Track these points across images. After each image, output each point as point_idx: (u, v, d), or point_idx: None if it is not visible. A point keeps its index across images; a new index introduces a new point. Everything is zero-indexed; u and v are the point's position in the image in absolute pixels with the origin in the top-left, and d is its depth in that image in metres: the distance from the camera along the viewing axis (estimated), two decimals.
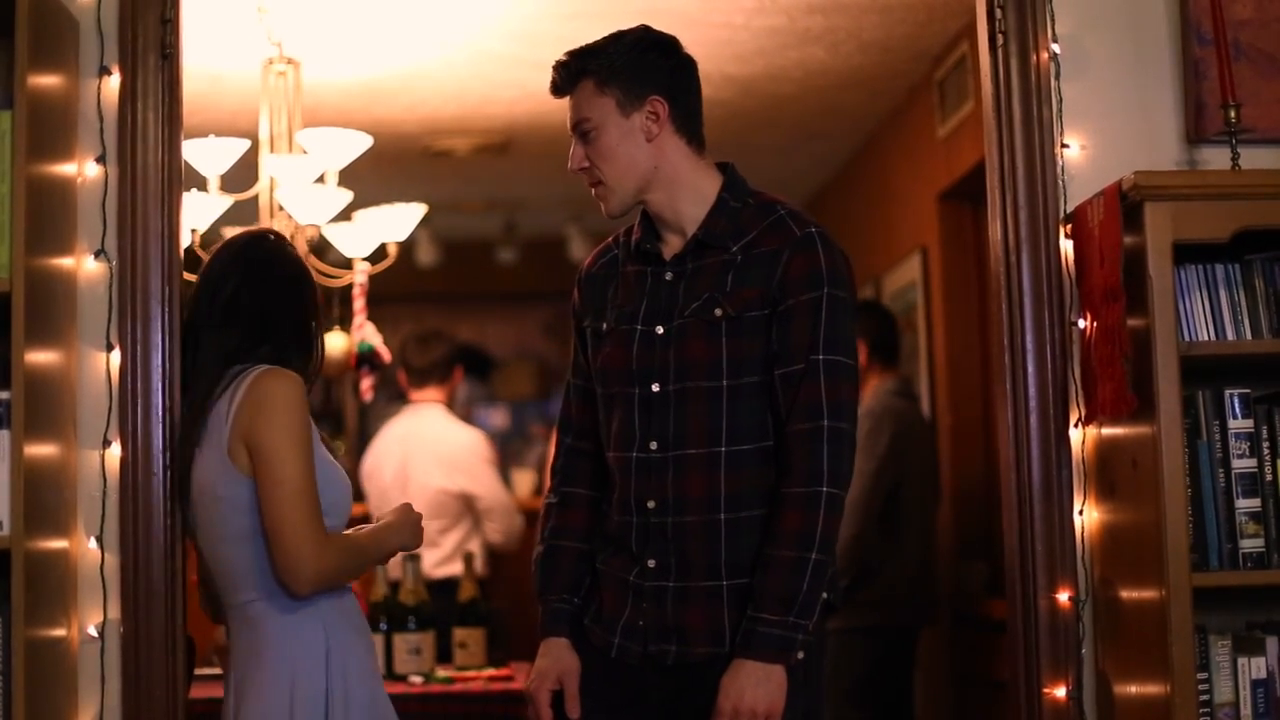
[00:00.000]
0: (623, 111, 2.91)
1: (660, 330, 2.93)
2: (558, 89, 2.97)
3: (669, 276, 2.96)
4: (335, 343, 5.22)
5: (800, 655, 2.82)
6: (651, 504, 2.92)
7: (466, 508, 5.98)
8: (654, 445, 2.92)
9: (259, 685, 2.98)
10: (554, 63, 2.96)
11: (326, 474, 3.00)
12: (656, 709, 2.94)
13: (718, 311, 2.89)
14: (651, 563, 2.92)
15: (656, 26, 3.02)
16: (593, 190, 2.98)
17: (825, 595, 2.85)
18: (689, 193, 2.96)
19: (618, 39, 2.95)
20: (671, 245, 2.98)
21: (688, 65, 2.99)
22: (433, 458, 5.94)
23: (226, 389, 2.99)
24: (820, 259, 2.89)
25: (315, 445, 2.99)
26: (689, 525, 2.89)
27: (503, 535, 6.03)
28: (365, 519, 6.21)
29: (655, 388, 2.92)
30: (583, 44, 2.98)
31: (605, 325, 3.00)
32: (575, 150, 2.96)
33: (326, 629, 2.98)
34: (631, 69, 2.91)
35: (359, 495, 5.94)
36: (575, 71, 2.94)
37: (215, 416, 2.98)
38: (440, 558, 5.86)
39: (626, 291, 3.00)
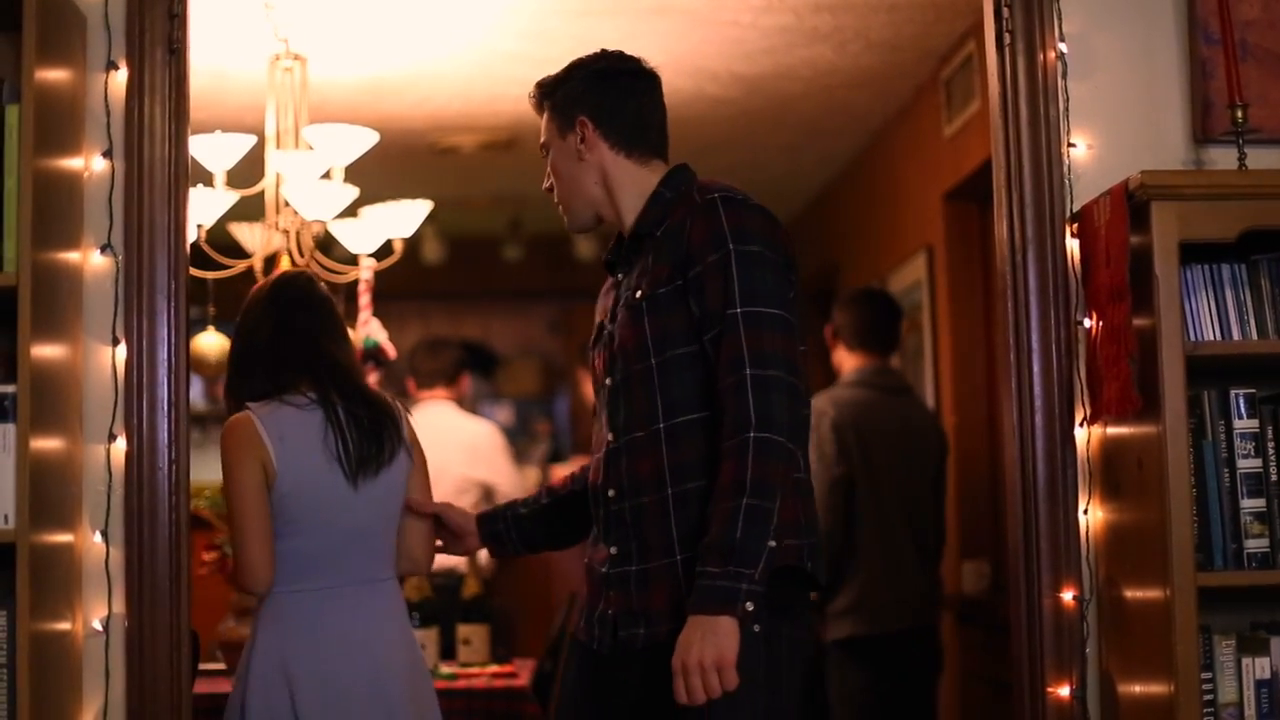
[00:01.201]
0: (561, 134, 3.09)
1: (609, 328, 3.06)
2: (537, 113, 3.18)
3: (621, 276, 3.09)
4: None
5: (749, 606, 2.79)
6: (611, 493, 3.00)
7: (483, 497, 6.02)
8: (610, 437, 3.01)
9: (405, 652, 3.37)
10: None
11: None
12: (635, 698, 2.96)
13: (637, 294, 2.98)
14: (614, 550, 2.99)
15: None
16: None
17: (772, 544, 2.80)
18: (630, 198, 3.08)
19: (571, 67, 3.13)
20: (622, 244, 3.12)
21: (635, 82, 3.11)
22: (454, 445, 6.00)
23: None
24: (721, 219, 2.93)
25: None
26: (644, 506, 2.94)
27: None
28: None
29: (608, 382, 3.04)
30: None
31: (592, 341, 3.17)
32: (547, 170, 3.17)
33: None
34: (564, 93, 3.10)
35: None
36: (536, 99, 3.16)
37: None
38: None
39: (607, 302, 3.14)
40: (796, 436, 2.88)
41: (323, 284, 3.57)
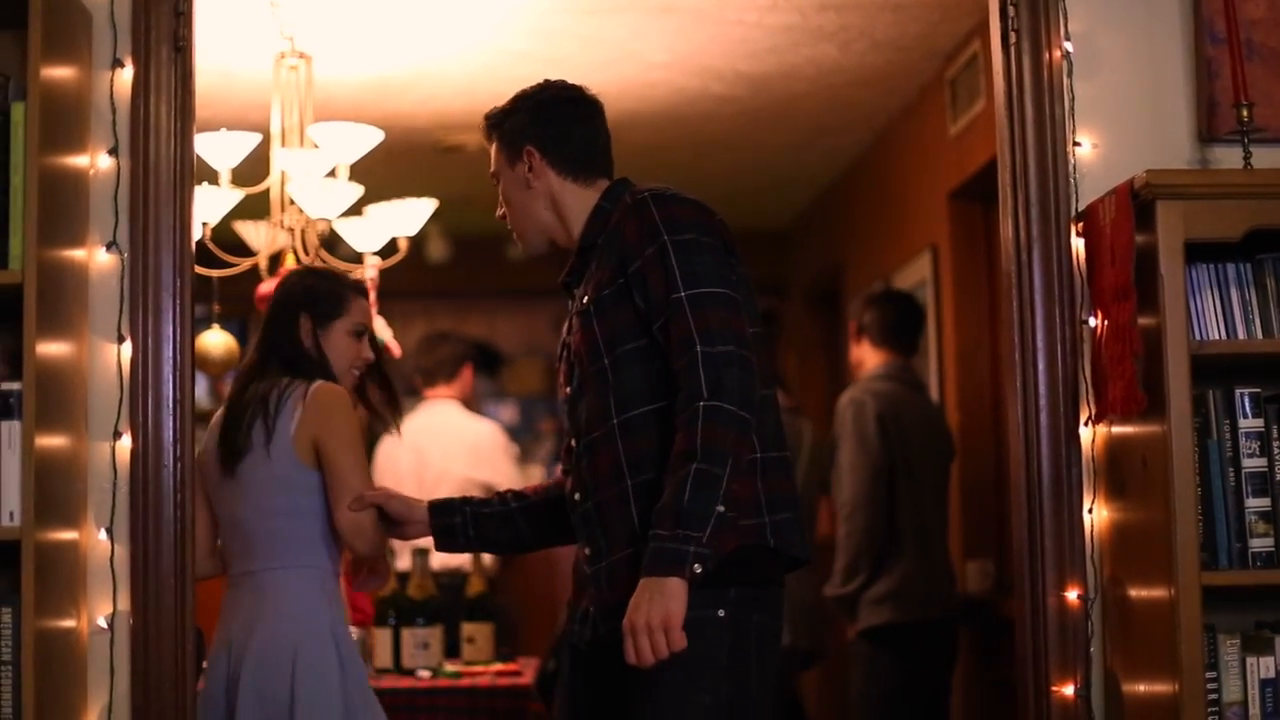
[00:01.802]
0: (510, 164, 3.20)
1: (566, 339, 3.14)
2: (486, 141, 3.28)
3: (577, 291, 3.15)
4: None
5: (697, 569, 2.79)
6: (578, 495, 3.05)
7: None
8: (573, 441, 3.07)
9: (261, 647, 3.27)
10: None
11: None
12: (611, 695, 2.98)
13: (585, 300, 3.04)
14: (587, 550, 3.03)
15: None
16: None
17: (720, 509, 2.80)
18: (577, 218, 3.15)
19: (516, 99, 3.24)
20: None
21: (564, 110, 3.18)
22: (456, 446, 6.01)
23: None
24: (653, 214, 2.98)
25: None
26: (605, 502, 2.98)
27: None
28: None
29: (568, 390, 3.11)
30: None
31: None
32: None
33: (330, 605, 3.39)
34: (511, 125, 3.20)
35: None
36: (486, 130, 3.27)
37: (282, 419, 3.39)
38: None
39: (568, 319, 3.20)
40: (749, 406, 2.86)
41: (336, 276, 3.73)
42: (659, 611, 2.78)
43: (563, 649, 3.19)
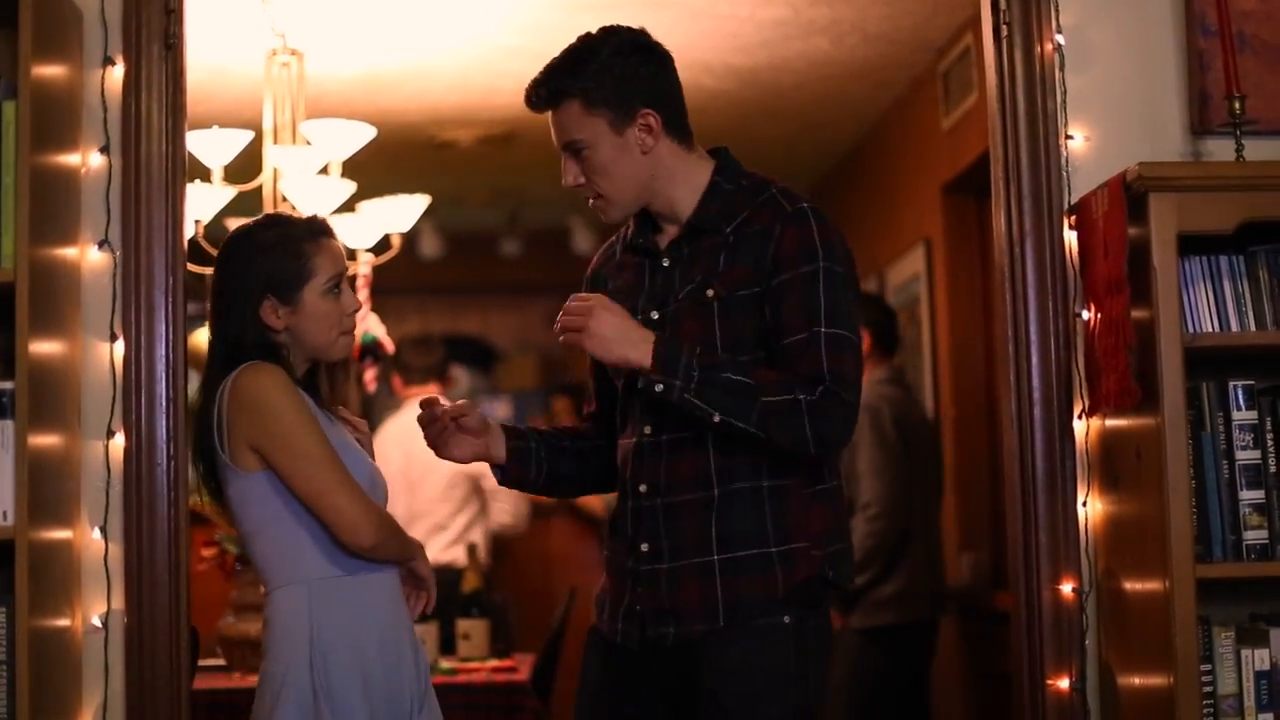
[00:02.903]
0: (615, 130, 2.89)
1: (656, 315, 2.93)
2: (536, 106, 2.92)
3: (666, 263, 2.96)
4: None
5: (659, 388, 2.78)
6: (643, 488, 2.92)
7: (474, 490, 6.02)
8: (648, 430, 2.92)
9: (260, 681, 2.93)
10: (531, 81, 2.92)
11: (341, 453, 2.92)
12: (658, 695, 2.93)
13: (709, 292, 2.89)
14: (645, 546, 2.92)
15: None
16: (591, 201, 2.97)
17: (716, 418, 2.78)
18: (683, 188, 2.96)
19: (592, 52, 2.90)
20: (668, 234, 2.99)
21: (668, 63, 2.97)
22: None
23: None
24: (814, 232, 2.88)
25: (326, 426, 2.93)
26: (679, 505, 2.89)
27: (511, 516, 6.10)
28: None
29: None
30: (553, 58, 2.93)
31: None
32: (568, 165, 2.93)
33: (318, 626, 2.86)
34: (618, 85, 2.88)
35: None
36: (555, 92, 2.89)
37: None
38: (448, 540, 5.90)
39: (625, 281, 3.01)
40: (829, 449, 2.85)
41: (288, 225, 3.03)
42: (614, 330, 2.81)
43: (586, 641, 3.09)
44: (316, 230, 2.99)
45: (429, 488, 6.03)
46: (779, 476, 2.87)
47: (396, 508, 6.12)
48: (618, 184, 2.91)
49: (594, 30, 2.96)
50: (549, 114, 2.93)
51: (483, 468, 6.03)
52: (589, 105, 2.87)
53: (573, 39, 2.97)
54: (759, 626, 2.83)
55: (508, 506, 6.09)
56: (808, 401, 2.79)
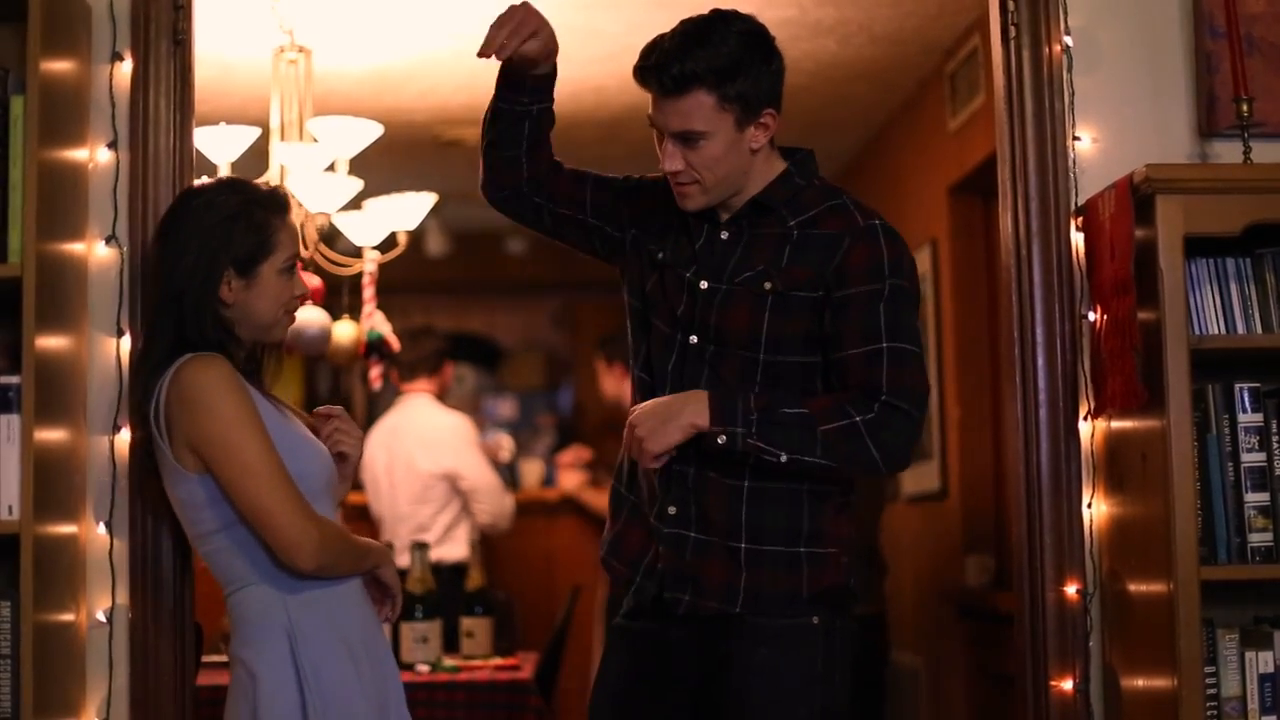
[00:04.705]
0: (739, 127, 2.87)
1: (705, 286, 2.92)
2: (661, 90, 2.86)
3: (725, 235, 2.96)
4: (344, 331, 5.22)
5: (722, 440, 2.79)
6: (674, 450, 2.89)
7: (453, 489, 6.01)
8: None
9: (231, 685, 2.91)
10: (657, 60, 2.86)
11: (290, 445, 2.84)
12: (682, 693, 2.94)
13: (767, 285, 2.89)
14: (672, 509, 2.92)
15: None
16: (678, 187, 2.92)
17: (784, 458, 2.80)
18: (758, 179, 2.97)
19: (724, 40, 2.84)
20: (729, 206, 2.97)
21: (782, 59, 2.95)
22: (416, 442, 6.00)
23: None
24: (883, 250, 2.90)
25: (273, 418, 2.86)
26: (711, 482, 2.89)
27: (491, 516, 6.07)
28: (363, 509, 6.24)
29: (694, 340, 2.94)
30: (673, 38, 2.89)
31: (661, 255, 2.99)
32: (672, 151, 2.88)
33: (294, 624, 2.83)
34: (753, 84, 2.85)
35: (356, 484, 5.95)
36: (688, 79, 2.83)
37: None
38: (431, 541, 5.88)
39: (682, 235, 2.98)
40: (895, 463, 2.88)
41: (251, 191, 2.95)
42: (677, 410, 2.81)
43: (608, 635, 3.09)
44: (281, 204, 2.93)
45: (408, 482, 6.02)
46: (822, 480, 2.90)
47: (380, 508, 6.15)
48: (719, 176, 2.90)
49: (710, 13, 2.92)
50: (659, 96, 2.87)
51: (457, 464, 6.07)
52: (723, 101, 2.85)
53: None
54: (786, 626, 2.85)
55: (486, 507, 6.06)
56: (865, 421, 2.81)
